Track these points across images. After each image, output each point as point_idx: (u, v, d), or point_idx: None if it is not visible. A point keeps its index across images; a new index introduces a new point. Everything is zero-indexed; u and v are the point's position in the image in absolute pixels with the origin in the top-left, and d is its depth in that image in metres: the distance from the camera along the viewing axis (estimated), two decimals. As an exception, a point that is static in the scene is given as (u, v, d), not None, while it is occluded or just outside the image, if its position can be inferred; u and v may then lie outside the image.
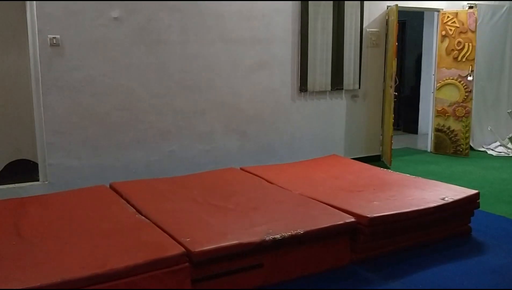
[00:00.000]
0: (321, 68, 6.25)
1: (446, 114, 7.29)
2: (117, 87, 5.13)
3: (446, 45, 7.22)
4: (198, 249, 2.92)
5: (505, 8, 7.74)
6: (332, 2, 6.19)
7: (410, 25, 9.15)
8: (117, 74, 5.10)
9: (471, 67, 7.11)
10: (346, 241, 3.51)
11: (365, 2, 6.45)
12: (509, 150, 7.49)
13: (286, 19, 6.00)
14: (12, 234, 3.19)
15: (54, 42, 4.75)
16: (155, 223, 3.34)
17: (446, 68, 7.21)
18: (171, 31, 5.31)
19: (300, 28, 6.06)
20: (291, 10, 6.01)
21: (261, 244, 3.10)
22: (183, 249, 2.90)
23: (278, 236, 3.15)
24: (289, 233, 3.20)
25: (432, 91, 7.49)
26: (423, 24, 8.37)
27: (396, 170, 5.49)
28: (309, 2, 6.01)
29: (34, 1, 4.65)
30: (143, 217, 3.47)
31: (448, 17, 7.16)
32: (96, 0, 4.87)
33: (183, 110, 5.51)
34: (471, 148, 7.51)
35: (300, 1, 5.99)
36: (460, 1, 7.37)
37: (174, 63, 5.37)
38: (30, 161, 5.35)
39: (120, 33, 5.05)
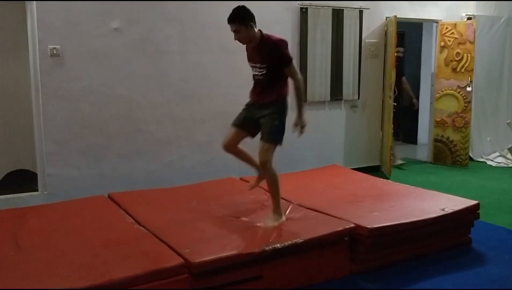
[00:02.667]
0: (320, 79, 6.26)
1: (445, 125, 7.30)
2: (117, 97, 5.14)
3: (445, 56, 7.24)
4: (198, 260, 2.91)
5: (503, 19, 7.79)
6: (331, 13, 6.23)
7: (409, 36, 9.19)
8: (117, 84, 5.10)
9: (470, 77, 7.14)
10: (346, 252, 3.50)
11: (364, 13, 6.49)
12: (508, 161, 7.49)
13: (286, 29, 6.01)
14: (11, 244, 3.18)
15: (54, 52, 4.76)
16: (154, 234, 3.33)
17: (445, 78, 7.23)
18: (171, 41, 5.33)
19: (299, 39, 6.09)
20: (290, 21, 6.04)
21: (261, 255, 3.09)
22: (182, 260, 2.89)
23: (278, 245, 3.14)
24: (289, 242, 3.19)
25: (431, 101, 7.51)
26: (422, 35, 8.42)
27: (395, 180, 5.48)
28: (308, 13, 6.05)
29: (35, 12, 4.68)
30: (142, 228, 3.46)
31: (446, 28, 7.20)
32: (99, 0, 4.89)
33: (183, 120, 5.51)
34: (471, 159, 7.50)
35: (299, 12, 6.02)
36: (458, 13, 7.42)
37: (174, 73, 5.38)
38: (29, 171, 5.33)
39: (120, 43, 5.07)
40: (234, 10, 3.56)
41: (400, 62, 7.19)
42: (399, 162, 7.05)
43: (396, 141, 7.69)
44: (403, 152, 7.53)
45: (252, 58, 3.74)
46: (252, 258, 3.07)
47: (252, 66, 3.75)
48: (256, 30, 3.62)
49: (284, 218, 3.68)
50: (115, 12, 5.01)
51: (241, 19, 3.52)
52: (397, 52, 6.91)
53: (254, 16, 3.59)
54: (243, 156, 3.94)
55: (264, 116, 3.66)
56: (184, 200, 4.16)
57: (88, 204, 4.05)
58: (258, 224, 3.54)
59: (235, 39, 3.65)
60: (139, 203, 4.04)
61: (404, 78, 7.32)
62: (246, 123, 3.79)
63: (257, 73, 3.71)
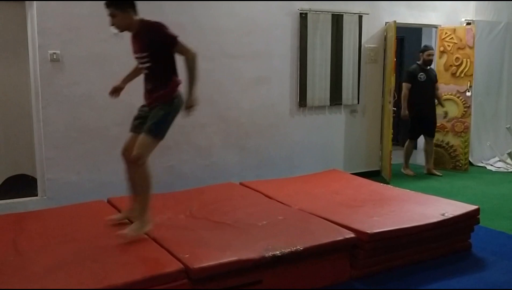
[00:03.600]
0: (320, 83, 6.27)
1: (445, 130, 7.30)
2: (117, 102, 5.08)
3: (444, 61, 7.25)
4: (197, 265, 2.90)
5: (502, 24, 7.80)
6: (330, 18, 6.24)
7: (408, 41, 9.21)
8: (117, 89, 5.10)
9: (470, 82, 7.14)
10: (346, 257, 3.49)
11: (363, 18, 6.50)
12: (508, 165, 7.48)
13: (285, 34, 6.04)
14: (10, 249, 3.17)
15: (54, 57, 4.77)
16: (153, 239, 3.32)
17: (445, 83, 7.23)
18: (171, 46, 5.33)
19: (299, 44, 6.10)
20: (290, 26, 6.05)
21: (261, 261, 3.08)
22: (182, 265, 2.88)
23: (277, 252, 3.13)
24: (289, 250, 3.18)
25: (431, 106, 7.50)
26: (421, 40, 8.42)
27: (395, 185, 5.47)
28: (308, 18, 6.06)
29: (35, 17, 4.69)
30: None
31: (446, 33, 7.21)
32: None
33: (183, 125, 5.48)
34: (471, 164, 7.50)
35: (299, 17, 6.04)
36: (458, 18, 7.44)
37: (174, 78, 5.38)
38: (29, 176, 5.33)
39: (120, 48, 5.06)
40: None
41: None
42: (410, 173, 6.95)
43: (395, 146, 7.68)
44: (402, 157, 7.52)
45: (134, 49, 3.48)
46: (252, 264, 3.06)
47: (136, 58, 3.50)
48: (136, 17, 3.38)
49: (150, 226, 3.33)
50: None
51: (116, 3, 3.30)
52: (429, 54, 6.76)
53: (134, 3, 3.39)
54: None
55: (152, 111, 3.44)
56: (183, 205, 4.15)
57: (87, 209, 4.05)
58: (118, 233, 3.24)
59: (111, 25, 3.39)
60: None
61: (437, 85, 7.00)
62: (141, 125, 3.46)
63: (142, 65, 3.46)
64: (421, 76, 6.74)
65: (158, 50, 3.35)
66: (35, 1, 4.66)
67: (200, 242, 3.29)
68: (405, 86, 6.82)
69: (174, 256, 3.01)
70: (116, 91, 3.77)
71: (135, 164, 3.32)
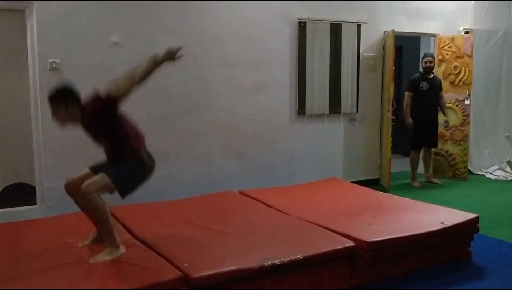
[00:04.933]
0: (319, 92, 6.29)
1: (444, 138, 7.31)
2: (116, 110, 5.13)
3: (443, 69, 7.28)
4: (197, 274, 2.89)
5: (500, 33, 7.84)
6: (329, 27, 6.27)
7: (406, 50, 9.24)
8: (116, 97, 5.10)
9: (468, 91, 7.17)
10: (346, 266, 3.48)
11: (362, 27, 6.53)
12: (507, 174, 7.49)
13: (284, 43, 6.06)
14: (9, 258, 3.16)
15: (54, 66, 4.78)
16: (152, 248, 3.31)
17: (444, 92, 7.24)
18: (170, 55, 5.34)
19: (298, 52, 6.13)
20: (289, 34, 6.08)
21: (260, 270, 3.06)
22: (180, 274, 2.87)
23: (277, 261, 3.12)
24: (288, 259, 3.17)
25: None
26: (419, 49, 8.45)
27: (395, 193, 5.47)
28: (307, 27, 6.09)
29: (35, 26, 4.70)
30: (139, 242, 3.44)
31: (444, 42, 7.24)
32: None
33: (182, 133, 5.52)
34: (470, 172, 7.50)
35: (297, 26, 6.06)
36: (456, 27, 7.47)
37: (173, 86, 5.39)
38: (28, 184, 5.31)
39: (119, 57, 5.08)
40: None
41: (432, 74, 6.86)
42: (417, 185, 6.83)
43: (394, 154, 7.68)
44: (401, 165, 7.52)
45: (90, 136, 3.37)
46: (251, 273, 3.04)
47: (95, 143, 3.39)
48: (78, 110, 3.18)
49: (122, 249, 3.19)
50: (114, 25, 5.03)
51: (60, 98, 3.13)
52: (426, 62, 6.73)
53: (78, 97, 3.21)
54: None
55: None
56: (182, 213, 4.14)
57: (86, 218, 4.02)
58: (90, 261, 3.08)
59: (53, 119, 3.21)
60: (138, 216, 4.03)
61: (441, 93, 6.91)
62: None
63: (103, 147, 3.34)
64: (423, 84, 6.72)
65: (106, 122, 3.17)
66: (35, 11, 4.68)
67: (199, 250, 3.28)
68: (407, 94, 6.81)
69: (174, 265, 3.00)
70: None
71: (83, 198, 3.14)
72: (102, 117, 3.14)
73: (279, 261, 3.13)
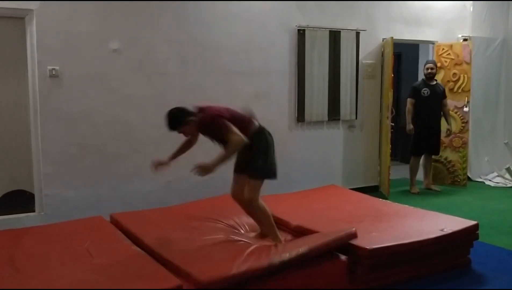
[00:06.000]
0: (318, 99, 6.30)
1: (443, 145, 7.31)
2: (115, 118, 5.15)
3: (441, 76, 7.29)
4: (205, 279, 2.89)
5: (498, 40, 7.87)
6: (328, 34, 6.29)
7: (405, 57, 9.27)
8: (116, 105, 5.12)
9: (467, 98, 7.18)
10: (345, 273, 3.47)
11: (360, 34, 6.55)
12: (506, 181, 7.48)
13: (283, 51, 6.08)
14: (7, 265, 3.15)
15: (53, 73, 4.79)
16: (158, 254, 3.32)
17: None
18: (170, 62, 5.37)
19: (297, 60, 6.14)
20: (288, 42, 6.09)
21: (269, 268, 3.09)
22: (179, 282, 2.86)
23: (286, 254, 3.18)
24: (295, 252, 3.22)
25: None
26: (418, 56, 8.48)
27: (394, 200, 5.47)
28: (306, 34, 6.11)
29: (35, 33, 4.72)
30: (139, 249, 3.43)
31: (443, 49, 7.26)
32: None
33: (181, 140, 5.50)
34: (469, 179, 7.50)
35: (297, 34, 6.08)
36: (454, 34, 7.50)
37: (173, 94, 5.40)
38: (27, 191, 5.30)
39: (119, 65, 5.10)
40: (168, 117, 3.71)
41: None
42: (415, 191, 6.81)
43: (393, 161, 7.68)
44: (401, 172, 7.53)
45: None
46: (261, 272, 3.07)
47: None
48: (195, 120, 3.72)
49: (281, 241, 3.72)
50: (114, 33, 5.05)
51: (177, 124, 3.68)
52: (427, 68, 6.75)
53: (186, 111, 3.74)
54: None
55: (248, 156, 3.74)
56: (183, 218, 4.15)
57: (85, 225, 4.02)
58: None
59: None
60: (142, 223, 4.04)
61: (445, 101, 6.88)
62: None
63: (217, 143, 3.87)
64: (425, 91, 6.73)
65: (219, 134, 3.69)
66: (35, 18, 4.70)
67: (205, 255, 3.29)
68: (409, 101, 6.80)
69: (180, 270, 3.01)
70: (159, 166, 3.92)
71: (248, 206, 3.74)
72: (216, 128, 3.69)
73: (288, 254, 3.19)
